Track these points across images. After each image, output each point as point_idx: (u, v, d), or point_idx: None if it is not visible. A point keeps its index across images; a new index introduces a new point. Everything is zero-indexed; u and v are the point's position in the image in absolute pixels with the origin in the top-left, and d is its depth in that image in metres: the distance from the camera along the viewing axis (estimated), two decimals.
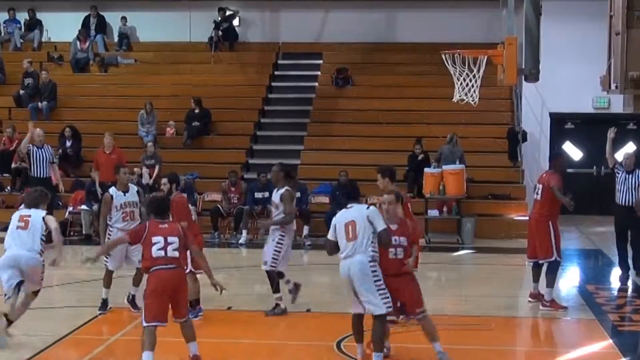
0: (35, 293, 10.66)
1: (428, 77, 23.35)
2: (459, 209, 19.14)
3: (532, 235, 12.72)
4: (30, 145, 17.65)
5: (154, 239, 9.18)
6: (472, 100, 15.23)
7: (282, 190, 11.79)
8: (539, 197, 12.59)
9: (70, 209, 19.38)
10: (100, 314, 11.80)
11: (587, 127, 22.45)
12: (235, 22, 25.67)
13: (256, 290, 14.23)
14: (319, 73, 24.75)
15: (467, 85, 15.14)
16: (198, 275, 11.31)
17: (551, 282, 12.31)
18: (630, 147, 21.13)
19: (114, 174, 17.88)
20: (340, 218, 9.40)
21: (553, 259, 12.33)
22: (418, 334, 9.72)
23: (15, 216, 10.68)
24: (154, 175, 19.94)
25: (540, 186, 12.58)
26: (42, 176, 17.53)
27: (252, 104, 23.75)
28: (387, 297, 9.16)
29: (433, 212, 19.13)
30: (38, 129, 18.13)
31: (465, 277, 15.47)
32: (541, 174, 13.25)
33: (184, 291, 9.40)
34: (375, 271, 9.19)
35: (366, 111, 22.83)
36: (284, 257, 11.86)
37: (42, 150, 17.66)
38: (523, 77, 15.18)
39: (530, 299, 12.92)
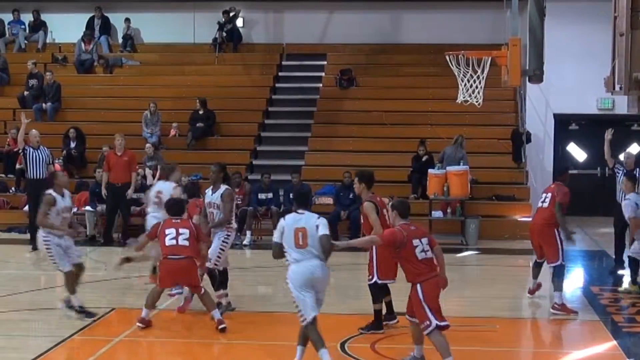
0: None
1: (432, 79, 23.32)
2: (463, 210, 19.12)
3: (537, 240, 12.72)
4: (27, 146, 17.55)
5: (167, 231, 11.00)
6: (476, 102, 15.23)
7: (222, 190, 11.79)
8: (545, 204, 12.56)
9: (75, 209, 19.31)
10: (92, 321, 11.56)
11: (591, 128, 22.38)
12: (239, 23, 25.66)
13: (260, 292, 14.24)
14: (323, 74, 24.74)
15: (471, 86, 15.16)
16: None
17: (560, 286, 12.28)
18: (634, 149, 21.12)
19: (125, 175, 18.07)
20: (290, 222, 9.21)
21: (559, 263, 12.35)
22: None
23: (153, 190, 13.31)
24: (157, 175, 19.93)
25: (550, 195, 12.54)
26: (38, 177, 17.33)
27: (256, 105, 23.75)
28: None
29: (437, 213, 19.11)
30: (34, 130, 18.06)
31: (469, 278, 15.45)
32: (549, 185, 13.28)
33: (192, 276, 11.04)
34: None
35: (370, 112, 22.81)
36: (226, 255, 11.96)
37: (39, 151, 17.50)
38: (527, 78, 15.22)
39: (529, 295, 13.04)
